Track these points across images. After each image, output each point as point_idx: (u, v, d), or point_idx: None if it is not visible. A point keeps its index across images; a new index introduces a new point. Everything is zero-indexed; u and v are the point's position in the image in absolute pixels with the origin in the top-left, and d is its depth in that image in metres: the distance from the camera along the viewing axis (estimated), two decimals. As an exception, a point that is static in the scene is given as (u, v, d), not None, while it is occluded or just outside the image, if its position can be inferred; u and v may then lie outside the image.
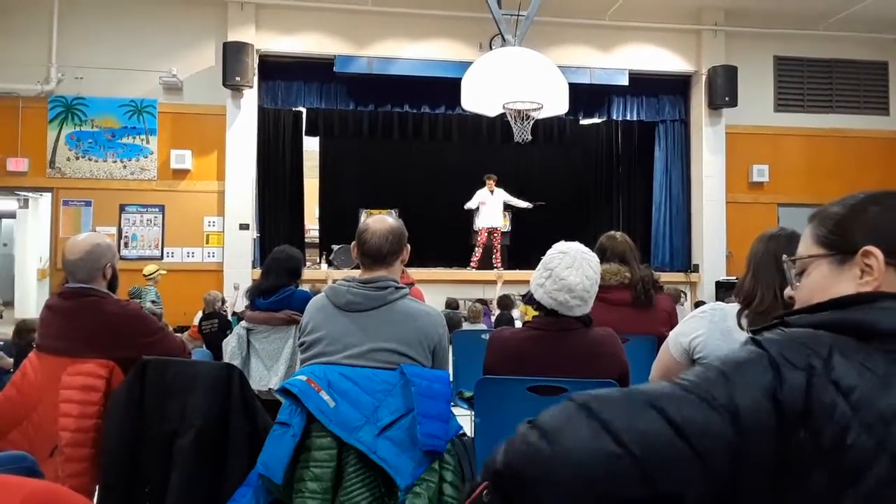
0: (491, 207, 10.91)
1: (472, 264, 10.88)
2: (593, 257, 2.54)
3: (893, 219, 1.06)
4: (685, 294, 9.42)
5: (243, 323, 3.90)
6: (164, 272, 8.55)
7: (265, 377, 3.71)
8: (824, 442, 0.88)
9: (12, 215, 13.89)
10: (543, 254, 2.64)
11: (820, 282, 1.12)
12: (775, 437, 0.89)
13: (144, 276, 8.18)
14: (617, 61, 10.56)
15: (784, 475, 0.88)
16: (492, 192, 10.93)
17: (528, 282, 8.47)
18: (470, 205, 10.95)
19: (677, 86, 11.11)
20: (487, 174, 11.01)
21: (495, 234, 11.03)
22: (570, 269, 2.44)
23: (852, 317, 0.97)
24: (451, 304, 8.60)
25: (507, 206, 11.26)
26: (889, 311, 0.95)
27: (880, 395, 0.89)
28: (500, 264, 10.85)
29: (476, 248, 10.96)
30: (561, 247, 2.54)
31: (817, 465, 0.88)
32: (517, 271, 10.34)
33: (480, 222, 10.96)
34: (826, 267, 1.11)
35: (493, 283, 9.78)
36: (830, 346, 0.93)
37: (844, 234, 1.09)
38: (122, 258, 8.87)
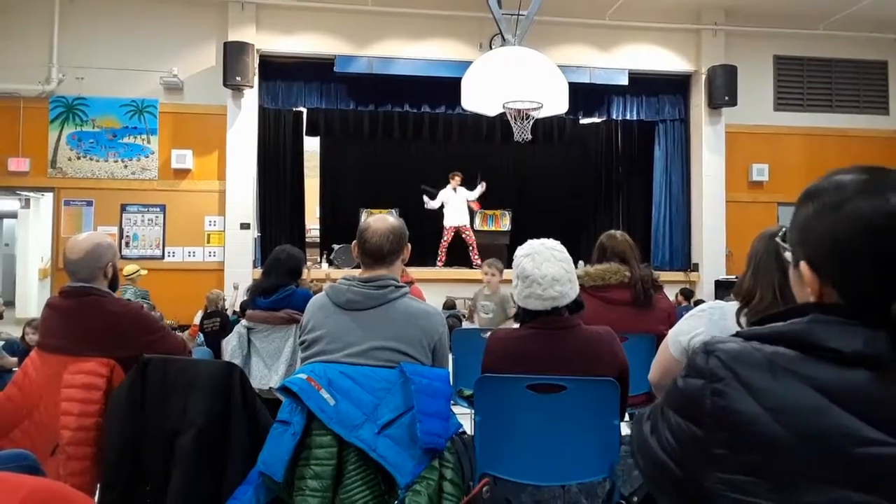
0: (454, 206, 10.85)
1: (439, 263, 10.84)
2: (553, 242, 2.56)
3: (815, 229, 1.00)
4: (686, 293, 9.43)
5: (244, 322, 3.90)
6: (145, 272, 8.52)
7: (266, 376, 3.71)
8: (742, 441, 0.92)
9: (14, 215, 13.91)
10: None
11: (795, 283, 1.11)
12: (700, 447, 0.96)
13: (125, 276, 8.15)
14: (617, 61, 10.57)
15: (718, 477, 0.93)
16: (455, 190, 10.89)
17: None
18: (433, 204, 10.87)
19: (677, 85, 11.12)
20: (453, 172, 10.95)
21: (466, 232, 10.96)
22: (545, 264, 2.44)
23: (787, 329, 0.98)
24: (449, 304, 8.58)
25: (471, 211, 11.12)
26: (823, 325, 0.94)
27: (796, 393, 0.91)
28: (478, 261, 10.79)
29: (441, 248, 10.90)
30: (522, 251, 2.55)
31: (740, 464, 0.92)
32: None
33: (446, 221, 10.91)
34: (793, 270, 1.10)
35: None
36: (740, 353, 0.97)
37: (792, 234, 1.07)
38: (123, 258, 8.95)
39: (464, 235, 10.97)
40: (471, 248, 10.93)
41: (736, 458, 0.92)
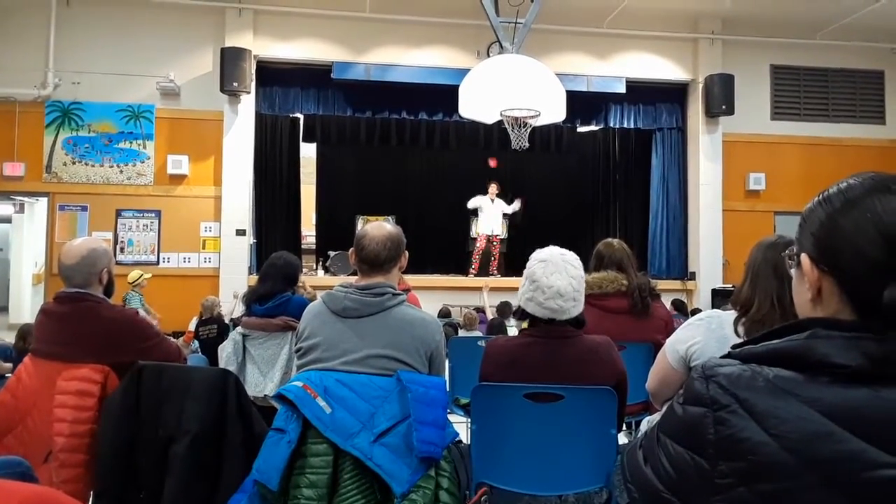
0: (490, 215, 10.97)
1: (472, 271, 10.92)
2: (572, 256, 2.53)
3: (829, 231, 0.99)
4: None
5: (239, 329, 3.89)
6: (149, 276, 8.51)
7: (261, 383, 3.70)
8: (748, 470, 0.89)
9: (8, 220, 13.86)
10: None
11: (795, 286, 1.08)
12: (703, 477, 0.93)
13: (129, 283, 8.15)
14: (614, 69, 10.59)
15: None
16: (493, 200, 10.98)
17: (495, 289, 8.38)
18: (471, 204, 11.07)
19: (674, 94, 11.14)
20: (491, 180, 11.07)
21: (494, 242, 11.09)
22: (555, 275, 2.43)
23: (785, 347, 0.95)
24: (444, 313, 8.57)
25: (504, 215, 11.30)
26: (824, 340, 0.92)
27: (800, 418, 0.88)
28: (496, 271, 10.89)
29: (474, 255, 10.99)
30: (539, 255, 2.53)
31: (746, 493, 0.89)
32: (504, 278, 10.53)
33: (480, 228, 11.00)
34: (795, 271, 1.07)
35: (493, 290, 9.72)
36: (741, 378, 0.94)
37: (802, 242, 1.04)
38: (117, 263, 8.92)
39: (492, 245, 11.12)
40: (493, 258, 11.05)
41: (741, 488, 0.89)
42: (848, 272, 0.95)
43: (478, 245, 11.04)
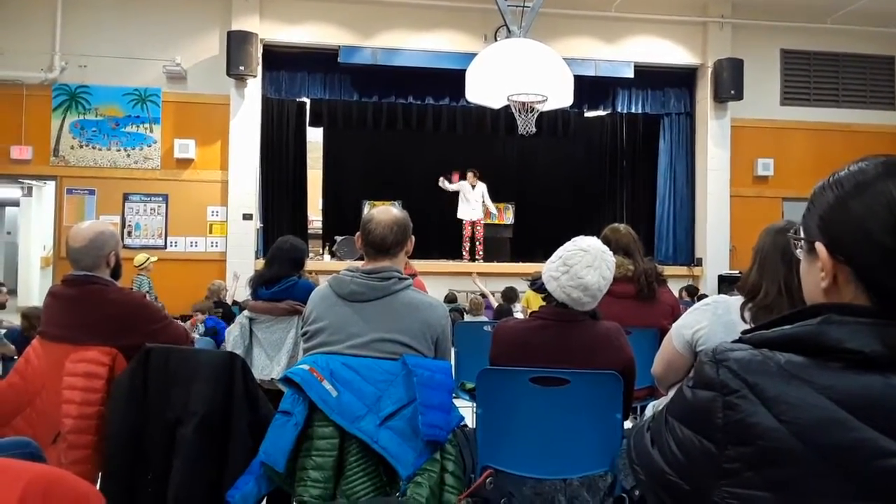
0: (472, 200, 11.02)
1: (465, 256, 10.99)
2: (611, 256, 2.52)
3: (839, 214, 0.97)
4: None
5: (246, 312, 3.89)
6: (155, 259, 8.54)
7: (267, 367, 3.70)
8: (756, 456, 0.89)
9: (16, 203, 13.91)
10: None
11: (804, 271, 1.06)
12: (711, 461, 0.93)
13: (136, 266, 8.18)
14: (622, 53, 10.53)
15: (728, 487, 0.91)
16: (473, 186, 11.01)
17: (501, 275, 8.44)
18: (449, 186, 11.13)
19: (683, 79, 11.08)
20: (471, 168, 11.10)
21: (477, 226, 11.15)
22: (589, 269, 2.42)
23: (797, 332, 0.94)
24: (450, 298, 8.59)
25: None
26: (837, 326, 0.91)
27: (812, 405, 0.87)
28: (480, 255, 10.95)
29: (465, 241, 11.09)
30: (581, 243, 2.50)
31: (753, 478, 0.89)
32: (509, 264, 10.59)
33: (465, 215, 11.04)
34: (805, 255, 1.05)
35: (499, 276, 9.74)
36: (751, 362, 0.93)
37: (809, 224, 1.02)
38: (125, 247, 8.95)
39: (476, 229, 11.14)
40: (478, 242, 11.03)
41: (749, 473, 0.89)
42: (863, 261, 0.94)
43: (465, 233, 11.15)
